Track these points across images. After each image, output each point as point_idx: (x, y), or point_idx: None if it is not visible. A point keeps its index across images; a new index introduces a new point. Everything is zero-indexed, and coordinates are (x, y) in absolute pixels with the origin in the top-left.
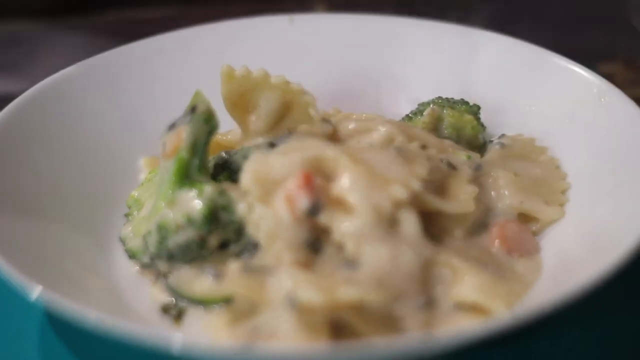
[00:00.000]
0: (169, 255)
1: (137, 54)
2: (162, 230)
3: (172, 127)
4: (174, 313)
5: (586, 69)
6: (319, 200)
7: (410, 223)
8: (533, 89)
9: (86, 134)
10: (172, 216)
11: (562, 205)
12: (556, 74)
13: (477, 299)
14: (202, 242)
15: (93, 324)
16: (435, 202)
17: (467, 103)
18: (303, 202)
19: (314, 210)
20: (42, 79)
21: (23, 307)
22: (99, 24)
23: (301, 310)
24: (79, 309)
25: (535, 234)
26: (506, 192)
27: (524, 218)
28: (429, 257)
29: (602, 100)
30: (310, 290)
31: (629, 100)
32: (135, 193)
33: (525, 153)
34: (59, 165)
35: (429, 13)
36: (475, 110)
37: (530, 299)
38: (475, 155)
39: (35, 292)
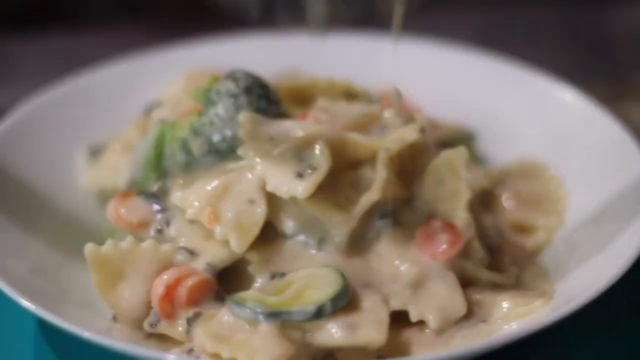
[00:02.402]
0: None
1: None
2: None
3: None
4: None
5: (573, 89)
6: None
7: None
8: (520, 110)
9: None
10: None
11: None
12: (542, 95)
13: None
14: None
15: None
16: None
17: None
18: None
19: None
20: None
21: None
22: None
23: None
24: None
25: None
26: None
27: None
28: None
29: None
30: None
31: (615, 121)
32: None
33: (524, 171)
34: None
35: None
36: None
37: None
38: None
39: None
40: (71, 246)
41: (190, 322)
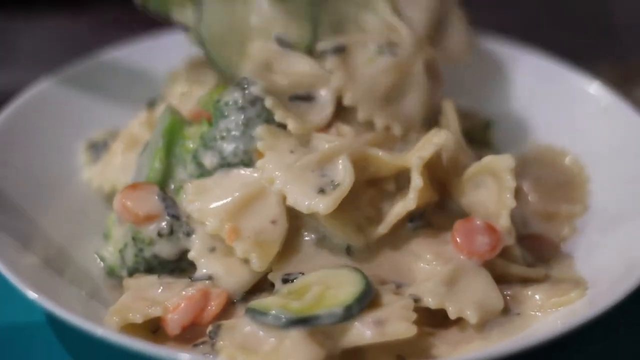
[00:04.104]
0: (147, 267)
1: None
2: (138, 242)
3: None
4: None
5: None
6: None
7: None
8: (540, 101)
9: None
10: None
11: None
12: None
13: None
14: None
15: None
16: None
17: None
18: None
19: None
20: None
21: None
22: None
23: None
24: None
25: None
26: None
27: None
28: None
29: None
30: None
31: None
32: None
33: (543, 158)
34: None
35: None
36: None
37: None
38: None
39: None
40: (77, 238)
41: (212, 335)
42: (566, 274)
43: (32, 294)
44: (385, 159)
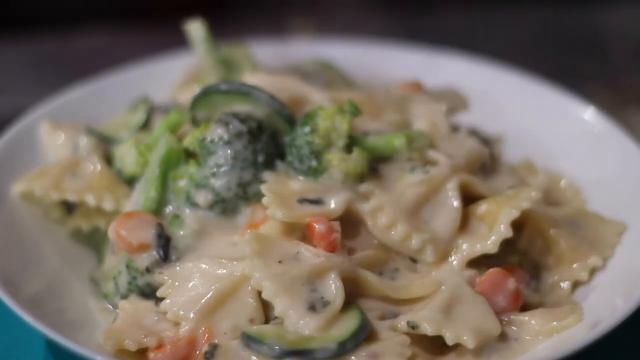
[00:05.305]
0: (141, 294)
1: None
2: (132, 271)
3: None
4: None
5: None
6: None
7: None
8: (534, 126)
9: None
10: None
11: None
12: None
13: None
14: None
15: None
16: None
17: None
18: None
19: None
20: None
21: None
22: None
23: None
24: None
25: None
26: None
27: None
28: None
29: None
30: None
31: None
32: None
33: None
34: None
35: None
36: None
37: None
38: None
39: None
40: (77, 264)
41: (208, 356)
42: (561, 299)
43: (29, 318)
44: (375, 284)
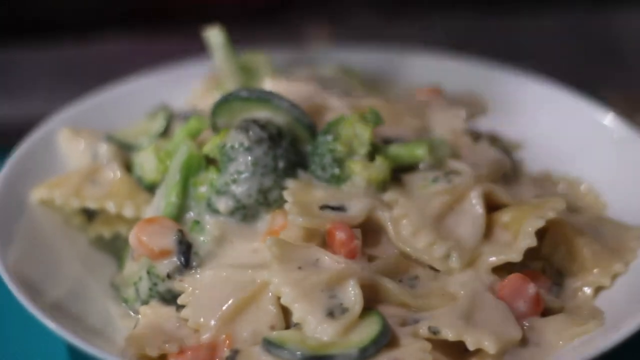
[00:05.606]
0: (162, 300)
1: None
2: (153, 277)
3: None
4: None
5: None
6: None
7: None
8: (554, 132)
9: None
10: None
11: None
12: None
13: None
14: None
15: None
16: None
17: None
18: None
19: None
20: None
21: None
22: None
23: None
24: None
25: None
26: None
27: None
28: None
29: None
30: None
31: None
32: None
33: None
34: None
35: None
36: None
37: None
38: None
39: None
40: (98, 270)
41: None
42: (582, 304)
43: (51, 324)
44: (394, 291)
